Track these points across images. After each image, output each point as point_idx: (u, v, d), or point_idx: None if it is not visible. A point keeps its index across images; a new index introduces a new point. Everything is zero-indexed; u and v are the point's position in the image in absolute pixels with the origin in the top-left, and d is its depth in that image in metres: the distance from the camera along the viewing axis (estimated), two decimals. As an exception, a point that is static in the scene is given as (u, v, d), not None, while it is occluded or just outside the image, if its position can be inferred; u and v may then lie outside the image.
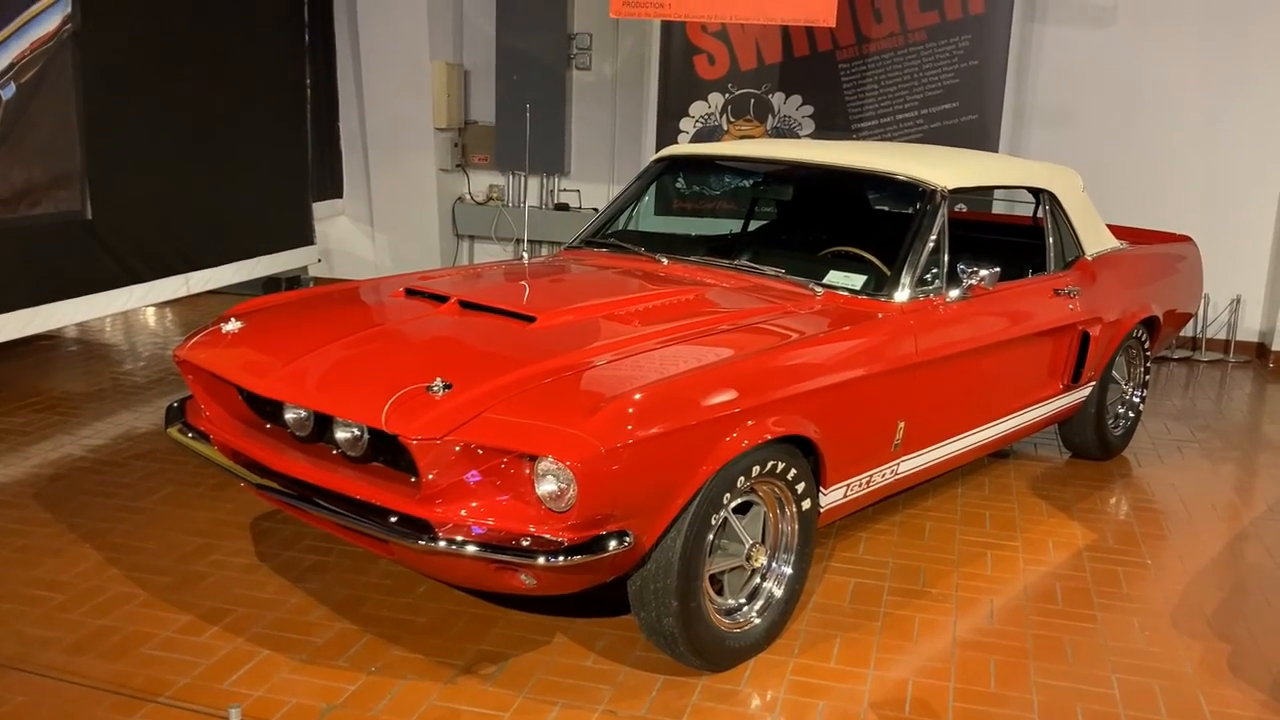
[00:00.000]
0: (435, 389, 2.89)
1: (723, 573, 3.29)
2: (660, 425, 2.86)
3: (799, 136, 7.97)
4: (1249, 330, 7.82)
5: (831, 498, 3.59)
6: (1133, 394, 5.46)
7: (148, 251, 6.61)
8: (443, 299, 3.61)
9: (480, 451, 2.86)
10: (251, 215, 7.65)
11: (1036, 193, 4.85)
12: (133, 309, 7.00)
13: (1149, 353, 5.45)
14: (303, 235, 8.34)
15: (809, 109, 8.04)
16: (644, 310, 3.59)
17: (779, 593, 3.41)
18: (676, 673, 3.27)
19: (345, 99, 8.80)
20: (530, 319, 3.40)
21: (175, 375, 6.31)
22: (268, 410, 3.45)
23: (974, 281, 3.99)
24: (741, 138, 8.04)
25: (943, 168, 4.29)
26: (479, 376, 2.97)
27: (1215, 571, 4.19)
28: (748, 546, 3.28)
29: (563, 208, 8.83)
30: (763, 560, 3.35)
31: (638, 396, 2.89)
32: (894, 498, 4.57)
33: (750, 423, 3.10)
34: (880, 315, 3.78)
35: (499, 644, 3.42)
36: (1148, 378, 5.53)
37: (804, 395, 3.30)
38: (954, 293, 4.01)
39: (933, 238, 4.02)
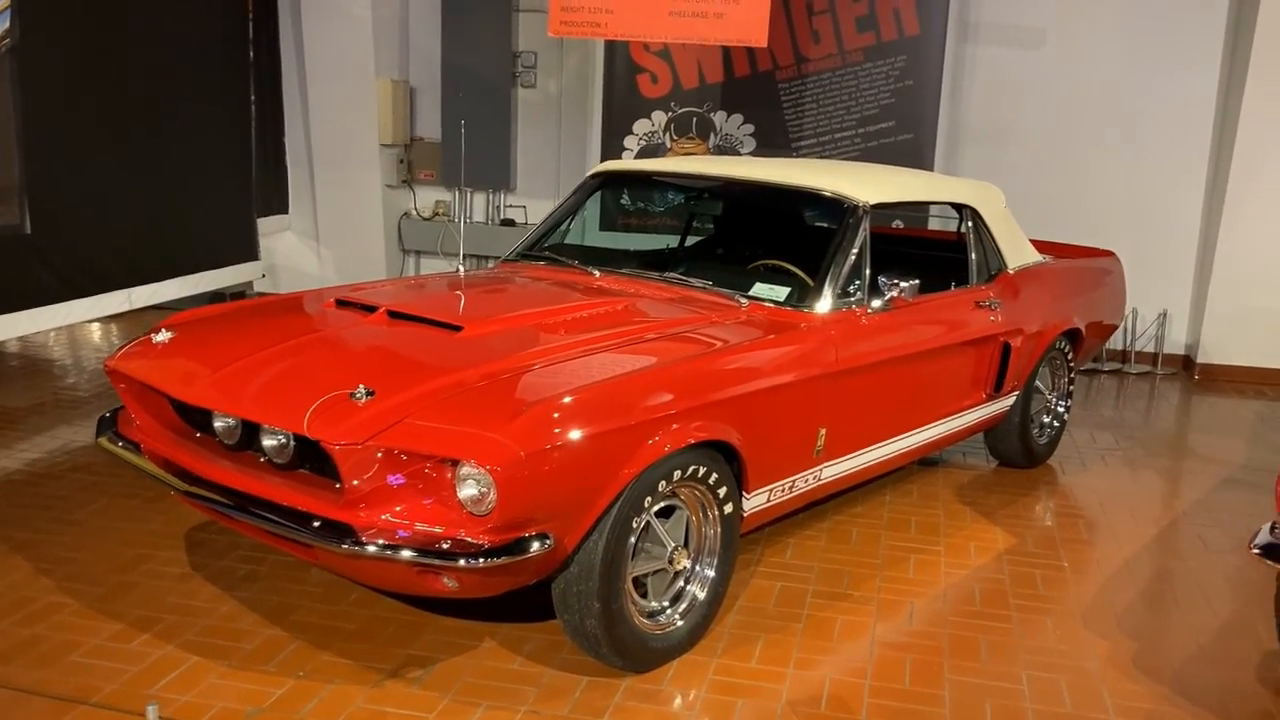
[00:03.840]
0: (358, 396, 2.95)
1: (646, 575, 3.37)
2: (581, 430, 2.95)
3: (740, 154, 8.11)
4: (1175, 343, 8.04)
5: (754, 502, 3.69)
6: (1057, 404, 5.62)
7: (89, 266, 6.59)
8: (371, 309, 3.68)
9: (403, 457, 2.92)
10: (195, 230, 7.64)
11: (959, 208, 5.00)
12: (75, 323, 6.98)
13: (1072, 364, 5.61)
14: (247, 250, 8.33)
15: (750, 127, 8.18)
16: (571, 320, 3.68)
17: (702, 595, 3.50)
18: (600, 674, 3.35)
19: (291, 115, 8.83)
20: (457, 328, 3.47)
21: (109, 391, 6.31)
22: (197, 419, 3.49)
23: (894, 293, 4.11)
24: (684, 155, 8.17)
25: (865, 184, 4.42)
26: (402, 383, 3.04)
27: (1128, 573, 4.33)
28: (670, 550, 3.37)
29: (509, 223, 8.91)
30: (685, 563, 3.44)
31: (559, 402, 2.97)
32: (823, 504, 4.68)
33: (673, 427, 3.19)
34: (802, 325, 3.90)
35: (427, 649, 3.48)
36: (1071, 388, 5.69)
37: (726, 401, 3.40)
38: (876, 304, 4.13)
39: (854, 251, 4.15)
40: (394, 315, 3.61)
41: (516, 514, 2.86)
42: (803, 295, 4.06)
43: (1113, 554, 4.53)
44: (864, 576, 4.15)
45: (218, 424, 3.32)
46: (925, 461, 5.44)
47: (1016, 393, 5.15)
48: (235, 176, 8.10)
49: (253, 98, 8.24)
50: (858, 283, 4.14)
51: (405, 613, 3.69)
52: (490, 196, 9.01)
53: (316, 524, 2.92)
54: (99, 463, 5.08)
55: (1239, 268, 7.58)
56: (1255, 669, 3.59)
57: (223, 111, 7.89)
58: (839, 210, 4.26)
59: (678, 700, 3.25)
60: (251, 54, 8.23)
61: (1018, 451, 5.40)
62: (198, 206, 7.62)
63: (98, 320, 7.56)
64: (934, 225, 7.19)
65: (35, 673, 3.23)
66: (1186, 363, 8.03)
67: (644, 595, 3.39)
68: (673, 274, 4.29)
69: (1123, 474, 5.62)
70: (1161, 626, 3.91)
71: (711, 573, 3.52)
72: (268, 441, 3.16)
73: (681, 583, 3.48)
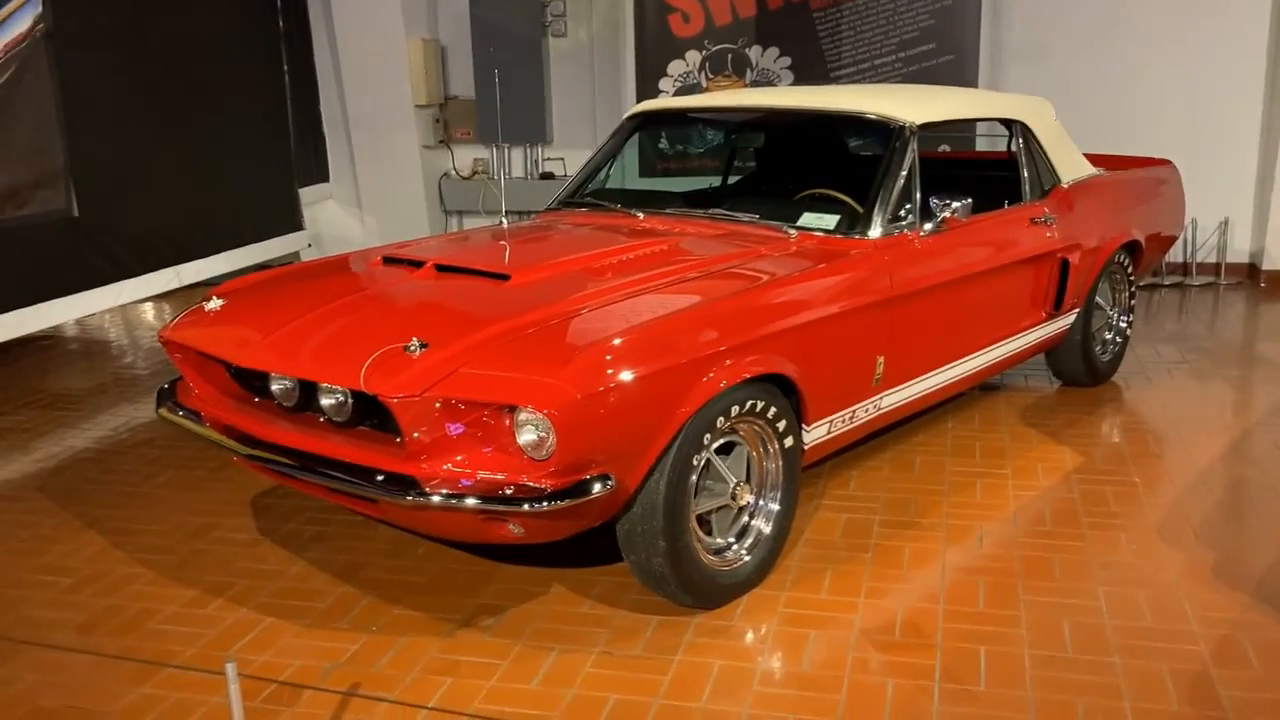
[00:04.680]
0: (412, 348, 2.94)
1: (710, 513, 3.35)
2: (634, 370, 2.92)
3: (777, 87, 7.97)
4: (1239, 252, 7.82)
5: (815, 434, 3.64)
6: (1119, 319, 5.49)
7: (137, 246, 6.67)
8: (418, 264, 3.66)
9: (461, 406, 2.91)
10: (238, 204, 7.70)
11: (1009, 124, 4.86)
12: (127, 304, 7.07)
13: (1133, 278, 5.47)
14: (291, 221, 8.39)
15: (787, 60, 8.04)
16: (618, 262, 3.64)
17: (767, 530, 3.47)
18: (670, 613, 3.34)
19: (324, 82, 8.82)
20: (505, 277, 3.45)
21: (165, 369, 6.39)
22: (255, 383, 3.51)
23: (947, 214, 4.02)
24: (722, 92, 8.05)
25: (910, 104, 4.31)
26: (454, 334, 3.03)
27: (1202, 486, 4.24)
28: (732, 486, 3.34)
29: (548, 176, 8.86)
30: (749, 499, 3.41)
31: (612, 343, 2.94)
32: (884, 434, 4.63)
33: (727, 363, 3.15)
34: (853, 252, 3.82)
35: (496, 597, 3.49)
36: (1133, 302, 5.55)
37: (780, 334, 3.35)
38: (928, 226, 4.04)
39: (903, 173, 4.05)
40: (441, 269, 3.59)
41: (576, 457, 2.85)
42: (853, 222, 3.98)
43: (1185, 467, 4.43)
44: (930, 504, 4.10)
45: (275, 386, 3.33)
46: (986, 386, 5.35)
47: (1077, 310, 5.03)
48: (274, 148, 8.13)
49: (285, 67, 8.23)
50: (908, 206, 4.05)
51: (473, 564, 3.71)
52: (528, 151, 8.95)
53: (380, 478, 2.92)
54: (161, 437, 5.15)
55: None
56: (1341, 573, 3.51)
57: (257, 83, 7.91)
58: (885, 132, 4.16)
59: (749, 635, 3.23)
60: (281, 24, 8.22)
61: (1081, 370, 5.29)
62: (239, 180, 7.67)
63: (148, 300, 7.65)
64: (981, 146, 7.03)
65: (118, 640, 3.29)
66: (1251, 271, 7.81)
67: (709, 533, 3.37)
68: (718, 210, 4.22)
69: (1190, 387, 5.49)
70: (1240, 536, 3.82)
71: (776, 506, 3.49)
72: (326, 400, 3.17)
73: (746, 518, 3.45)
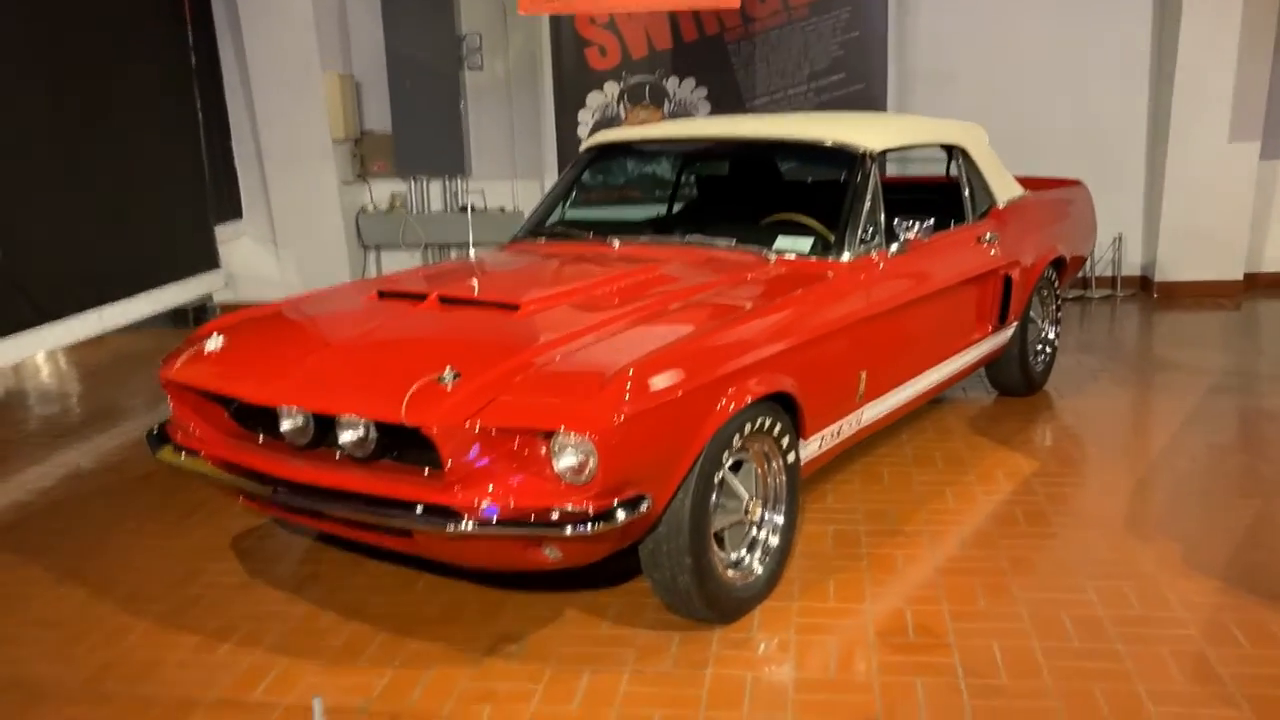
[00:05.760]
0: (445, 379, 2.98)
1: (723, 529, 3.45)
2: (666, 391, 3.01)
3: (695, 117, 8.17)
4: (1132, 265, 8.34)
5: (809, 449, 3.79)
6: (1048, 331, 5.82)
7: (61, 290, 6.45)
8: (419, 296, 3.68)
9: (495, 435, 2.95)
10: (157, 244, 7.51)
11: (949, 149, 5.13)
12: (51, 349, 6.83)
13: (1059, 292, 5.80)
14: (208, 260, 8.21)
15: (703, 90, 8.26)
16: (617, 290, 3.73)
17: (775, 541, 3.59)
18: (690, 629, 3.42)
19: (236, 118, 8.68)
20: (514, 307, 3.50)
21: (102, 416, 6.21)
22: (260, 423, 3.48)
23: (910, 235, 4.22)
24: (641, 123, 8.21)
25: (867, 131, 4.52)
26: (483, 364, 3.07)
27: (1152, 481, 4.53)
28: (745, 501, 3.45)
29: (467, 209, 8.86)
30: (759, 513, 3.53)
31: (643, 366, 3.02)
32: (851, 448, 4.80)
33: (744, 382, 3.27)
34: (830, 274, 3.99)
35: (513, 624, 3.52)
36: (1059, 315, 5.88)
37: (782, 353, 3.49)
38: (893, 248, 4.25)
39: (869, 197, 4.25)
40: (445, 301, 3.62)
41: (617, 479, 2.92)
42: (825, 245, 4.15)
43: (1132, 465, 4.73)
44: (908, 512, 4.28)
45: (286, 424, 3.30)
46: (932, 400, 5.59)
47: (1016, 323, 5.32)
48: (189, 186, 7.97)
49: (198, 103, 8.08)
50: (873, 228, 4.24)
51: (480, 593, 3.72)
52: (446, 183, 8.95)
53: (420, 510, 2.93)
54: (114, 485, 5.01)
55: (1188, 187, 7.87)
56: (1294, 556, 3.81)
57: (171, 120, 7.75)
58: (849, 159, 4.35)
59: (771, 645, 3.33)
60: (193, 59, 8.06)
61: (1019, 380, 5.58)
62: (155, 219, 7.49)
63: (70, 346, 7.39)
64: (906, 171, 7.34)
65: (131, 690, 3.21)
66: (1144, 283, 8.33)
67: (722, 548, 3.47)
68: (694, 236, 4.34)
69: (1116, 392, 5.84)
70: (1198, 526, 4.10)
71: (781, 519, 3.61)
72: (346, 436, 3.16)
73: (755, 532, 3.56)
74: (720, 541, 3.45)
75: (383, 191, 8.98)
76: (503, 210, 8.82)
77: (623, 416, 2.87)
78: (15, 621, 3.68)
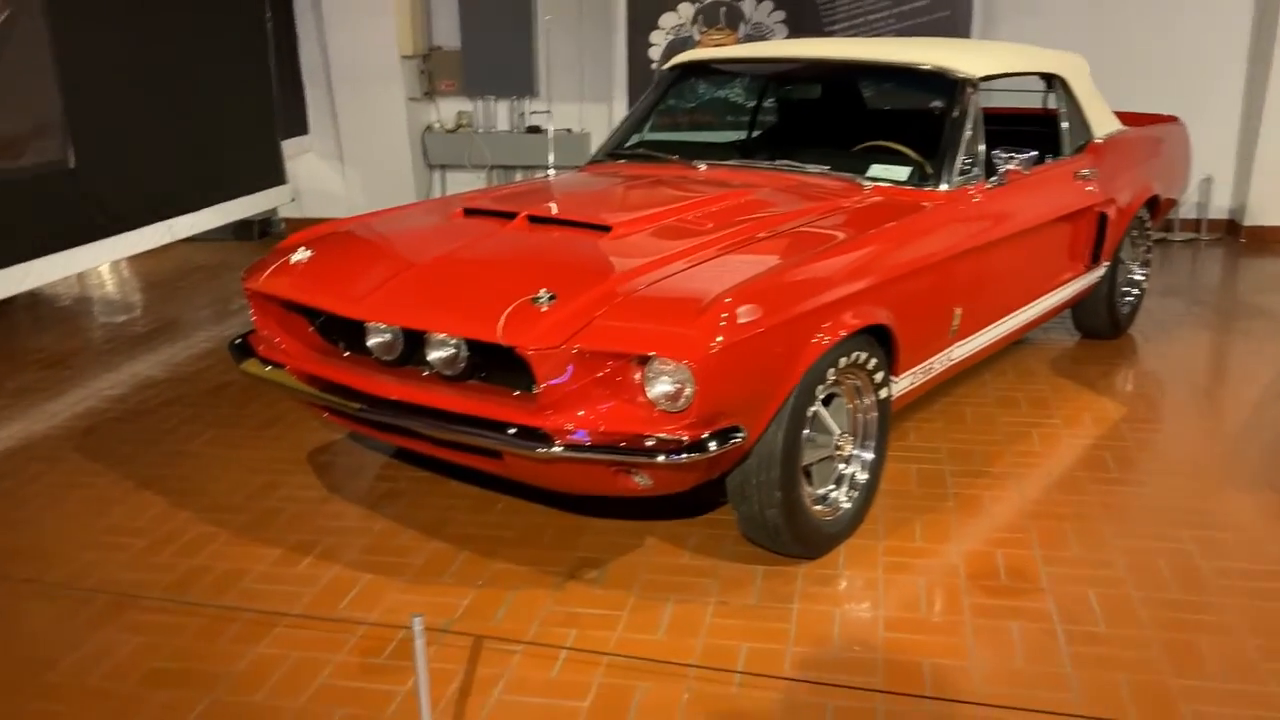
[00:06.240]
0: (541, 300, 2.90)
1: (811, 464, 3.37)
2: (766, 320, 2.92)
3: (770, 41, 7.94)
4: (1219, 209, 8.04)
5: (899, 386, 3.68)
6: (1137, 273, 5.63)
7: (131, 199, 6.43)
8: (508, 215, 3.59)
9: (589, 358, 2.88)
10: (224, 157, 7.45)
11: (1048, 78, 4.92)
12: (121, 258, 6.85)
13: (1150, 232, 5.60)
14: (276, 175, 8.16)
15: (780, 14, 8.01)
16: (710, 214, 3.61)
17: (864, 477, 3.51)
18: (773, 562, 3.37)
19: (304, 32, 8.56)
20: (605, 229, 3.40)
21: (170, 326, 6.22)
22: (343, 337, 3.43)
23: (1011, 167, 4.06)
24: (716, 45, 8.00)
25: (967, 57, 4.33)
26: (578, 286, 2.99)
27: (1247, 430, 4.39)
28: (837, 436, 3.37)
29: (534, 130, 8.73)
30: (850, 448, 3.44)
31: (742, 294, 2.93)
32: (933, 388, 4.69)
33: (840, 314, 3.17)
34: (927, 204, 3.85)
35: (593, 549, 3.48)
36: (1149, 256, 5.69)
37: (881, 285, 3.37)
38: (992, 179, 4.09)
39: (969, 125, 4.08)
40: (534, 220, 3.53)
41: (712, 408, 2.84)
42: (923, 174, 4.00)
43: (1225, 413, 4.59)
44: (993, 454, 4.18)
45: (374, 340, 3.25)
46: (1014, 341, 5.44)
47: (1106, 264, 5.14)
48: (257, 100, 7.88)
49: (268, 16, 7.97)
50: (972, 159, 4.08)
51: (559, 517, 3.68)
52: (514, 104, 8.80)
53: (513, 431, 2.88)
54: (189, 395, 5.02)
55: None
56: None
57: (239, 34, 7.63)
58: (949, 85, 4.18)
59: (858, 583, 3.27)
60: (263, -30, 7.94)
61: (1105, 322, 5.41)
62: (224, 133, 7.42)
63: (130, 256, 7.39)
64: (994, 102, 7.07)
65: (215, 600, 3.21)
66: (1231, 227, 8.04)
67: (809, 483, 3.39)
68: (784, 161, 4.20)
69: (1203, 338, 5.65)
70: (1297, 479, 3.97)
71: (871, 455, 3.52)
72: (435, 354, 3.11)
73: (843, 467, 3.48)
74: (808, 476, 3.37)
75: (449, 110, 8.86)
76: (569, 132, 8.67)
77: (720, 345, 2.79)
78: (97, 528, 3.70)
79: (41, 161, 5.80)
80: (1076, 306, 5.35)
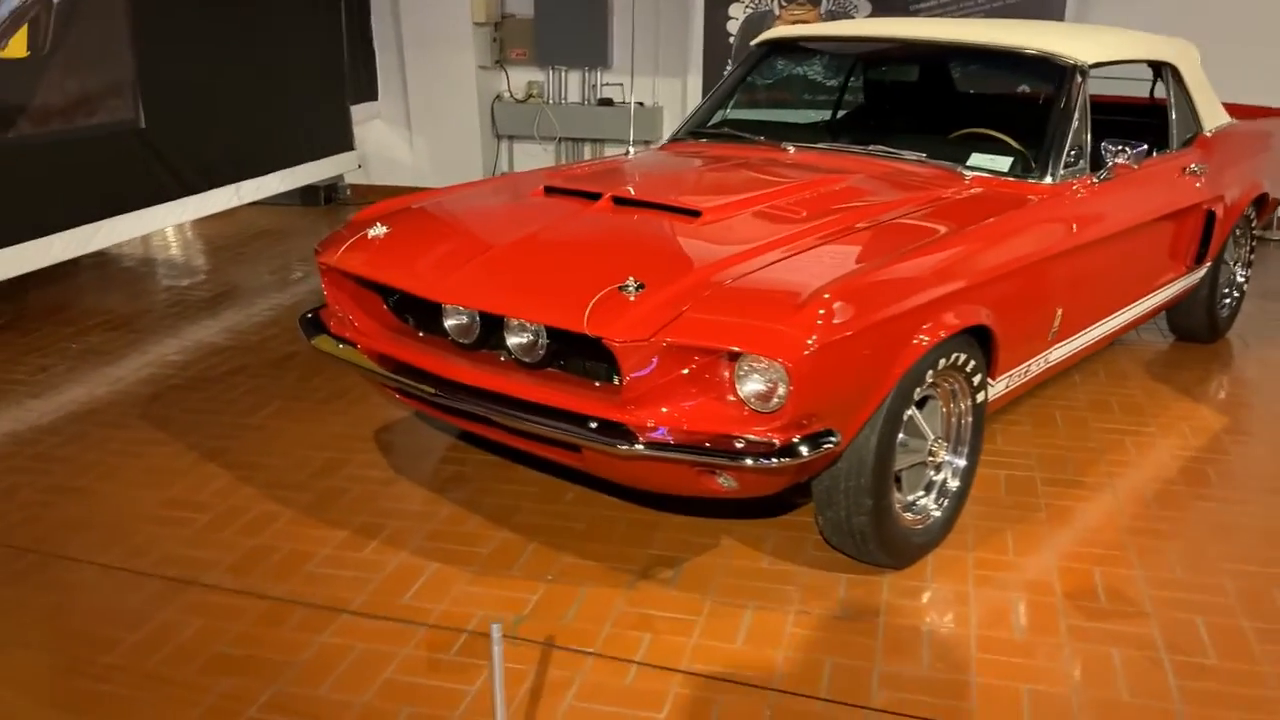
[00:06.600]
0: (629, 289, 2.75)
1: (901, 470, 3.20)
2: (864, 319, 2.74)
3: (854, 18, 7.68)
4: (1320, 207, 7.67)
5: (995, 389, 3.49)
6: (1239, 274, 5.35)
7: (200, 161, 6.38)
8: (591, 195, 3.43)
9: (678, 352, 2.72)
10: (294, 121, 7.39)
11: (1158, 66, 4.66)
12: (187, 221, 6.80)
13: (1254, 231, 5.32)
14: (344, 141, 8.08)
15: (865, -10, 7.75)
16: (803, 200, 3.43)
17: (955, 484, 3.33)
18: (856, 570, 3.21)
19: (377, -3, 8.45)
20: (695, 214, 3.23)
21: (235, 292, 6.15)
22: (417, 317, 3.31)
23: (1121, 160, 3.83)
24: (795, 23, 7.77)
25: (1076, 42, 4.09)
26: (668, 275, 2.83)
27: (1358, 450, 4.14)
28: (930, 441, 3.19)
29: (606, 103, 8.55)
30: (943, 454, 3.26)
31: (841, 290, 2.75)
32: (1021, 387, 4.49)
33: (942, 314, 2.99)
34: (1033, 198, 3.63)
35: (667, 547, 3.34)
36: (1252, 257, 5.41)
37: (984, 284, 3.18)
38: (1101, 172, 3.86)
39: (1077, 115, 3.85)
40: (619, 202, 3.37)
41: (806, 410, 2.68)
42: (1026, 165, 3.79)
43: (1334, 429, 4.32)
44: (1086, 462, 3.97)
45: (451, 321, 3.12)
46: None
47: (1209, 264, 4.88)
48: (328, 64, 7.79)
49: (340, -22, 7.87)
50: (1078, 150, 3.85)
51: (631, 510, 3.54)
52: (585, 75, 8.63)
53: (594, 425, 2.73)
54: (255, 364, 4.94)
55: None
56: None
57: (311, -2, 7.55)
58: (1057, 72, 3.94)
59: (947, 596, 3.10)
60: (337, -69, 7.83)
61: (1203, 325, 5.15)
62: (295, 97, 7.36)
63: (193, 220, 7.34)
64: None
65: (279, 583, 3.12)
66: (1329, 228, 7.68)
67: (899, 489, 3.21)
68: (878, 146, 4.00)
69: (1308, 345, 5.38)
70: None
71: (963, 462, 3.34)
72: (515, 339, 2.97)
73: (934, 474, 3.30)
74: (898, 482, 3.20)
75: (520, 79, 8.69)
76: (641, 105, 8.48)
77: (817, 343, 2.62)
78: (159, 501, 3.62)
79: (113, 120, 5.75)
80: (1173, 308, 5.09)
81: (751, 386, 2.69)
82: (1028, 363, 3.63)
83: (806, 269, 2.91)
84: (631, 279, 2.76)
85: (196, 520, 3.50)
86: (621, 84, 8.58)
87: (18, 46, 5.10)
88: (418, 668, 2.75)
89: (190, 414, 4.36)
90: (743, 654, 2.82)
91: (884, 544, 3.07)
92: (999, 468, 3.91)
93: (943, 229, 3.26)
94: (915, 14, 7.65)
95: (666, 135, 8.34)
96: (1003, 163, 3.80)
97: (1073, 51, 3.97)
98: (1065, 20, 7.33)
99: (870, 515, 2.99)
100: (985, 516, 3.54)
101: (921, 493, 3.27)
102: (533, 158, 8.72)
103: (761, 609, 3.02)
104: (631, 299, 2.73)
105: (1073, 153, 3.83)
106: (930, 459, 3.22)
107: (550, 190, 3.57)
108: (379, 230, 3.33)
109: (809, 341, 2.61)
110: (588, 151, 8.75)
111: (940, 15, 7.61)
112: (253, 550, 3.31)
